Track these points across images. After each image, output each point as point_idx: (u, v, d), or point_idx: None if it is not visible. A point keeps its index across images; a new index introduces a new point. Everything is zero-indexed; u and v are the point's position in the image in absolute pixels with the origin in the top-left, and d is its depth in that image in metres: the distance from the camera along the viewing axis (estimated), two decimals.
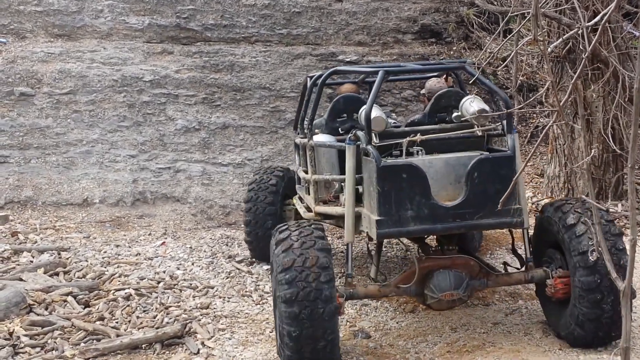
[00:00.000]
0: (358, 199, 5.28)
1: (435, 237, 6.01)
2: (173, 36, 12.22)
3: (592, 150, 8.33)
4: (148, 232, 9.12)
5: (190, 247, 8.30)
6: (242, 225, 7.54)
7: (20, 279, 6.77)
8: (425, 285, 5.16)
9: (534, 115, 11.95)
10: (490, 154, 5.25)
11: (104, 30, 12.06)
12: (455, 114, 5.65)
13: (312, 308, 4.61)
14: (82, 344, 5.51)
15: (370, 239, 5.28)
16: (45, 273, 7.04)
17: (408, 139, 5.13)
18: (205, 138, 11.09)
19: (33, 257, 7.69)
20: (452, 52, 12.90)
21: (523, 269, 5.38)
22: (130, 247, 8.36)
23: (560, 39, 4.36)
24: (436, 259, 5.27)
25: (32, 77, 11.11)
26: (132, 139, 10.88)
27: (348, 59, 12.25)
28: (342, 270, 7.14)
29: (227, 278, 7.21)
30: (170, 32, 12.22)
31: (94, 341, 5.57)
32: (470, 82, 6.14)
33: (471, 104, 5.39)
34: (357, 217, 5.26)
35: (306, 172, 6.48)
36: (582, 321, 4.94)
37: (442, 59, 12.56)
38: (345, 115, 6.49)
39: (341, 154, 5.79)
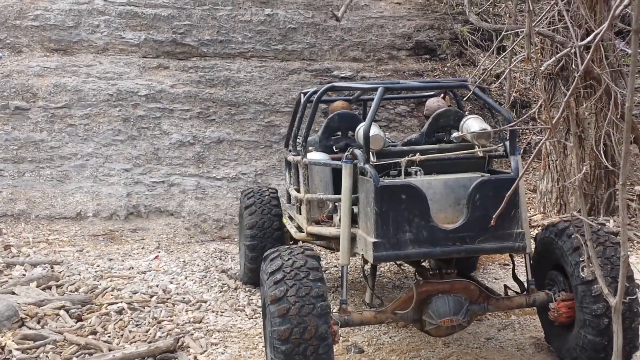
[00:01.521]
0: (353, 219, 5.07)
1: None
2: (169, 51, 12.28)
3: (584, 167, 8.38)
4: (141, 246, 9.11)
5: (184, 261, 8.29)
6: (246, 252, 7.27)
7: (13, 293, 6.75)
8: (424, 310, 4.91)
9: (527, 131, 12.02)
10: (493, 175, 5.03)
11: (100, 45, 12.11)
12: (454, 134, 5.48)
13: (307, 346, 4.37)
14: (75, 358, 5.49)
15: (366, 261, 5.04)
16: (37, 286, 7.02)
17: (407, 158, 4.99)
18: (199, 152, 11.11)
19: (26, 270, 7.66)
20: (446, 69, 12.98)
21: (524, 292, 5.18)
22: (123, 260, 8.34)
23: (554, 58, 4.41)
24: (435, 284, 4.99)
25: (28, 91, 11.14)
26: (127, 152, 10.89)
27: (343, 75, 12.32)
28: (336, 285, 7.15)
29: (220, 292, 7.20)
30: (166, 47, 12.27)
31: (86, 355, 5.55)
32: (465, 98, 6.12)
33: (472, 124, 5.28)
34: (352, 239, 5.05)
35: (298, 191, 6.33)
36: (588, 348, 4.78)
37: (436, 76, 12.65)
38: (339, 133, 6.40)
39: (335, 173, 5.71)
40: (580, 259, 4.72)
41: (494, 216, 4.06)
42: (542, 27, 8.08)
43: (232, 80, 11.97)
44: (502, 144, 5.28)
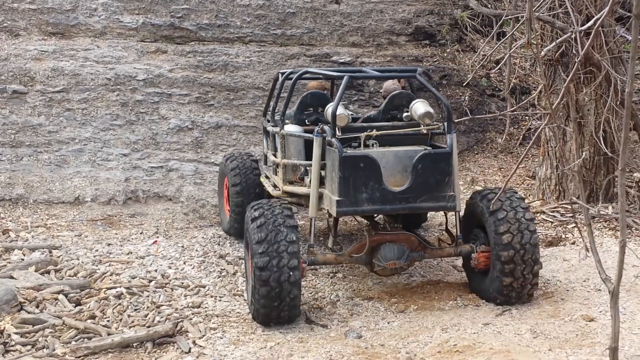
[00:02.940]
0: (321, 182, 6.25)
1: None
2: (167, 35, 12.21)
3: (584, 153, 8.39)
4: (140, 231, 9.10)
5: (182, 246, 8.29)
6: (232, 207, 8.33)
7: (12, 277, 6.75)
8: (374, 255, 6.20)
9: (527, 117, 12.01)
10: (432, 149, 6.27)
11: (97, 29, 12.03)
12: (405, 114, 6.83)
13: (280, 276, 5.57)
14: (73, 342, 5.50)
15: (330, 215, 6.30)
16: (36, 271, 7.02)
17: (365, 133, 6.26)
18: (198, 137, 11.09)
19: (24, 255, 7.66)
20: (445, 54, 12.94)
21: (454, 244, 6.47)
22: (121, 245, 8.34)
23: (554, 43, 4.40)
24: (383, 234, 6.32)
25: (25, 75, 11.08)
26: (125, 137, 10.87)
27: (342, 60, 12.28)
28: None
29: (219, 277, 7.21)
30: (164, 32, 12.21)
31: (85, 339, 5.56)
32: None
33: (419, 107, 6.50)
34: (320, 197, 6.24)
35: (275, 155, 7.37)
36: (499, 287, 6.06)
37: (435, 61, 12.62)
38: (311, 109, 7.45)
39: (307, 143, 6.81)
40: (497, 219, 6.02)
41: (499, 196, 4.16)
42: (542, 13, 8.05)
43: (230, 65, 11.92)
44: (442, 124, 6.43)
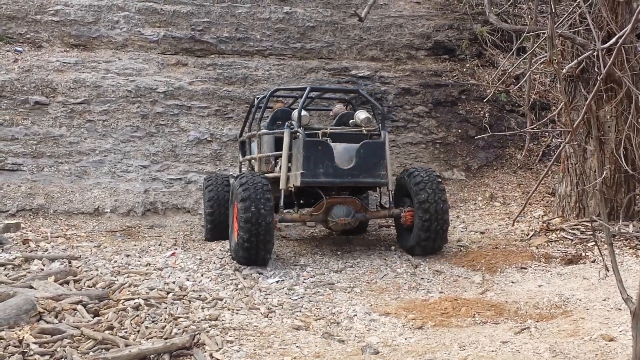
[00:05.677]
0: (288, 169, 8.14)
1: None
2: (187, 48, 12.31)
3: (605, 171, 8.31)
4: (158, 243, 9.14)
5: (200, 259, 8.31)
6: (207, 217, 9.56)
7: (31, 287, 6.79)
8: (328, 214, 8.25)
9: (547, 133, 11.93)
10: (371, 140, 8.35)
11: (119, 41, 12.16)
12: (351, 121, 8.81)
13: (258, 218, 7.51)
14: (91, 353, 5.51)
15: (296, 187, 8.11)
16: (55, 281, 7.06)
17: (322, 131, 8.35)
18: (217, 150, 11.13)
19: (44, 265, 7.71)
20: (465, 69, 12.91)
21: (388, 209, 8.56)
22: (140, 257, 8.37)
23: (575, 61, 4.38)
24: (335, 198, 8.34)
25: (47, 86, 11.21)
26: (145, 149, 10.94)
27: (361, 74, 12.30)
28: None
29: (236, 290, 7.20)
30: (185, 44, 12.31)
31: (103, 350, 5.57)
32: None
33: (361, 114, 8.67)
34: (287, 179, 8.15)
35: (252, 157, 9.27)
36: (419, 239, 8.23)
37: (454, 76, 12.59)
38: (280, 122, 9.10)
39: (277, 142, 8.68)
40: (419, 189, 8.20)
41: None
42: (564, 29, 8.02)
43: (250, 78, 11.98)
44: (378, 126, 8.51)
